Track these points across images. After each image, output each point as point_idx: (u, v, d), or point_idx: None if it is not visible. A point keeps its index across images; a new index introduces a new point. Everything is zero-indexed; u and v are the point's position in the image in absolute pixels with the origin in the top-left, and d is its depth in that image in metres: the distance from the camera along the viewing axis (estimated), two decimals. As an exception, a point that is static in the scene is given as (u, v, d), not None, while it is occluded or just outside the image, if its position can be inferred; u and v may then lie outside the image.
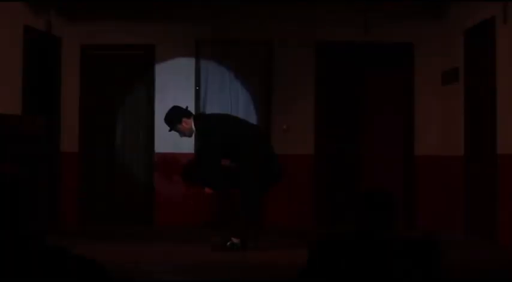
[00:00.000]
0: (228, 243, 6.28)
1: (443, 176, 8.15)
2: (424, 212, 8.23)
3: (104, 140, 8.49)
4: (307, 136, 8.37)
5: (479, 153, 7.33)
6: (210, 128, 6.47)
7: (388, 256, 2.72)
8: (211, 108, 8.21)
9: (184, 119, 6.52)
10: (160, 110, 8.33)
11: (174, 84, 8.29)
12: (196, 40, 8.39)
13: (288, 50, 8.38)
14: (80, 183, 8.41)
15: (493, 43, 6.92)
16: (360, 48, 8.45)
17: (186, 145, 8.23)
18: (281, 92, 8.38)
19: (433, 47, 8.34)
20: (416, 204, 8.30)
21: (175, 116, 6.56)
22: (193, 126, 6.51)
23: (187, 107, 6.65)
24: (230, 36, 8.38)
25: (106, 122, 8.49)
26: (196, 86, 8.37)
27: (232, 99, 8.37)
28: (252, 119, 8.20)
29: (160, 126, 8.25)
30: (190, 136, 6.71)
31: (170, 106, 8.21)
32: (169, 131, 6.62)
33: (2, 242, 2.19)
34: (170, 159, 8.32)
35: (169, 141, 8.19)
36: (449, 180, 8.02)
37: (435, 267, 2.79)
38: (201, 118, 6.72)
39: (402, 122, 8.47)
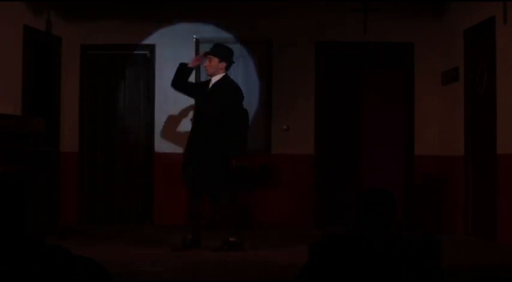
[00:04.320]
0: (227, 243, 6.27)
1: (443, 176, 8.14)
2: (424, 212, 8.22)
3: (104, 140, 8.49)
4: (307, 136, 8.36)
5: (479, 153, 7.33)
6: (239, 92, 6.47)
7: (388, 256, 2.72)
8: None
9: (222, 62, 6.43)
10: (161, 109, 8.35)
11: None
12: (196, 40, 8.38)
13: (288, 50, 8.38)
14: (80, 183, 8.41)
15: (493, 43, 6.92)
16: (360, 48, 8.45)
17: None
18: (281, 92, 8.38)
19: (433, 47, 8.33)
20: (416, 204, 8.29)
21: (222, 52, 6.47)
22: (219, 74, 6.41)
23: (234, 62, 6.63)
24: (230, 35, 8.37)
25: (106, 122, 8.49)
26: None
27: None
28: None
29: (160, 126, 8.27)
30: (210, 75, 6.53)
31: (171, 105, 8.26)
32: (204, 54, 6.61)
33: (2, 242, 2.19)
34: (170, 159, 8.31)
35: (170, 141, 8.20)
36: (448, 180, 8.01)
37: (435, 267, 2.79)
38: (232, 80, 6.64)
39: (402, 122, 8.46)
